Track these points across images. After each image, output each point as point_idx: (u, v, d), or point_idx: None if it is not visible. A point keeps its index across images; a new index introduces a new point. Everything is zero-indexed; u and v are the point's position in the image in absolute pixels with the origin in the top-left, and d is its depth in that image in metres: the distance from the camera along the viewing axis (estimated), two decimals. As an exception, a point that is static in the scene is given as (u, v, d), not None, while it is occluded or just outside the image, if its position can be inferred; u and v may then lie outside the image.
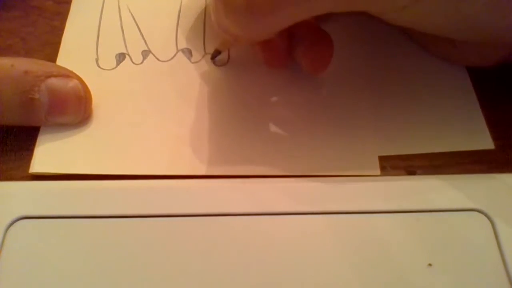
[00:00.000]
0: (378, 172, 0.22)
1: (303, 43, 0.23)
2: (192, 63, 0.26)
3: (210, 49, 0.26)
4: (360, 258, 0.20)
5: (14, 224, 0.20)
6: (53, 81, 0.22)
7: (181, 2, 0.28)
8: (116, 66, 0.26)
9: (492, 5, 0.19)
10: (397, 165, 0.23)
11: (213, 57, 0.26)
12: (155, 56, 0.26)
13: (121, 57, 0.26)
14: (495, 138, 0.23)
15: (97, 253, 0.20)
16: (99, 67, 0.26)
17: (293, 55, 0.24)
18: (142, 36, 0.27)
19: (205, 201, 0.21)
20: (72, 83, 0.23)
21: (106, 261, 0.20)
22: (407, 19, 0.21)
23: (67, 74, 0.23)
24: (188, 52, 0.26)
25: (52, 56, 0.26)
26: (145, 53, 0.26)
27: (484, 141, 0.23)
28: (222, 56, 0.26)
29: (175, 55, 0.26)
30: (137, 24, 0.28)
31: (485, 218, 0.21)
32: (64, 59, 0.26)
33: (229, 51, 0.26)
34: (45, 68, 0.22)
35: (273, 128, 0.24)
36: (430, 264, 0.20)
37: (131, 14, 0.28)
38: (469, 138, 0.23)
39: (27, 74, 0.21)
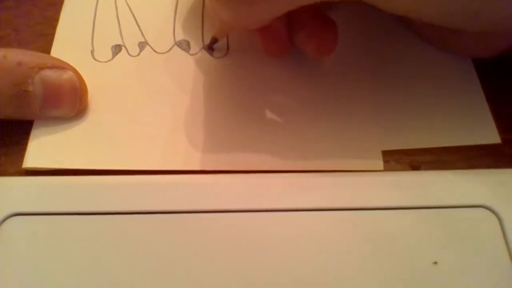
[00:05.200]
0: (381, 167, 0.22)
1: (305, 29, 0.22)
2: (190, 55, 0.26)
3: (208, 41, 0.26)
4: (362, 256, 0.19)
5: (7, 220, 0.20)
6: (47, 73, 0.22)
7: (179, -7, 0.28)
8: (112, 58, 0.25)
9: None
10: (401, 160, 0.22)
11: (210, 45, 0.25)
12: (152, 48, 0.26)
13: (117, 49, 0.26)
14: (501, 132, 0.23)
15: (92, 250, 0.19)
16: (94, 59, 0.25)
17: (294, 42, 0.23)
18: (139, 27, 0.27)
19: (203, 197, 0.21)
20: (67, 74, 0.22)
21: (100, 258, 0.19)
22: (401, 7, 0.20)
23: (62, 66, 0.22)
24: (186, 44, 0.26)
25: (46, 48, 0.25)
26: (142, 45, 0.26)
27: (490, 135, 0.23)
28: (221, 47, 0.25)
29: (172, 47, 0.26)
30: (133, 15, 0.27)
31: (492, 215, 0.20)
32: (58, 51, 0.25)
33: (228, 42, 0.26)
34: (39, 60, 0.22)
35: (273, 122, 0.23)
36: (435, 262, 0.19)
37: (127, 5, 0.27)
38: (474, 132, 0.23)
39: (21, 65, 0.21)
